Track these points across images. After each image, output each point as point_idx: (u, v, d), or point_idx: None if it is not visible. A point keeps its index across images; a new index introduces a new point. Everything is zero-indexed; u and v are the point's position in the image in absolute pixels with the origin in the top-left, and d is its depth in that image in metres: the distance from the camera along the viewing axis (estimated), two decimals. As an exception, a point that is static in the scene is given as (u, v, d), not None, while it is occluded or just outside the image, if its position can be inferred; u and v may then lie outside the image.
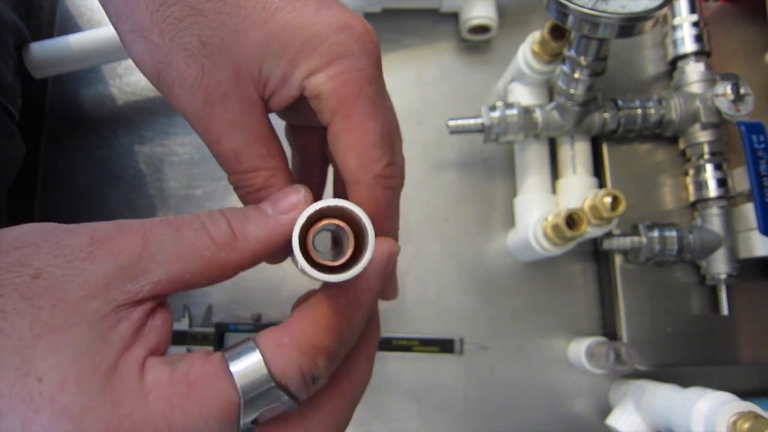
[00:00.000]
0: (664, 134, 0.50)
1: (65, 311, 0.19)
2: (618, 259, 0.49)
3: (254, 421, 0.20)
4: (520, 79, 0.51)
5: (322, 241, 0.23)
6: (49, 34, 0.56)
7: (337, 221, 0.20)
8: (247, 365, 0.20)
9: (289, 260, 0.24)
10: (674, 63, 0.51)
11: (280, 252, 0.23)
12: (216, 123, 0.23)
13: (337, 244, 0.28)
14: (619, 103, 0.48)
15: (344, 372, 0.23)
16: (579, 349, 0.49)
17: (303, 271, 0.19)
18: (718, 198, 0.47)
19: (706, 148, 0.48)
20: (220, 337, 0.50)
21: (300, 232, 0.19)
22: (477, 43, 0.58)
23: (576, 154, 0.50)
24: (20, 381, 0.18)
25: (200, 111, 0.23)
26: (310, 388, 0.21)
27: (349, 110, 0.24)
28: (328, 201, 0.20)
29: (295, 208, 0.23)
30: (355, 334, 0.22)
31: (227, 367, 0.20)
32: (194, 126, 0.24)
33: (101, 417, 0.18)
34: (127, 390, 0.19)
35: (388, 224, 0.28)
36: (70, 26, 0.58)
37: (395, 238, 0.27)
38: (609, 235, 0.48)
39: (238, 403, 0.19)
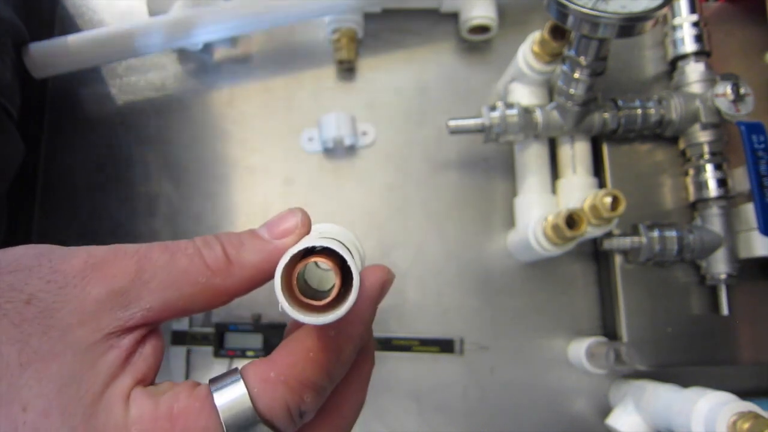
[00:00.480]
0: (664, 134, 0.50)
1: (54, 339, 0.19)
2: (618, 259, 0.49)
3: None
4: (520, 79, 0.51)
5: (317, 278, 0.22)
6: (49, 34, 0.56)
7: (322, 259, 0.19)
8: (232, 399, 0.19)
9: None
10: (674, 63, 0.51)
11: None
12: None
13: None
14: (619, 103, 0.48)
15: (334, 404, 0.23)
16: (579, 349, 0.49)
17: (282, 311, 0.18)
18: (718, 198, 0.47)
19: (706, 148, 0.48)
20: (220, 337, 0.50)
21: (285, 270, 0.19)
22: (477, 43, 0.58)
23: (576, 154, 0.50)
24: (5, 409, 0.18)
25: None
26: (297, 423, 0.20)
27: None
28: (313, 241, 0.19)
29: (291, 233, 0.22)
30: (345, 367, 0.22)
31: (212, 401, 0.19)
32: None
33: None
34: (111, 422, 0.18)
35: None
36: (70, 26, 0.58)
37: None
38: (609, 235, 0.48)
39: None
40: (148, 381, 0.20)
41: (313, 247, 0.19)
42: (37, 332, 0.19)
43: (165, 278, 0.20)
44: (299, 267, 0.19)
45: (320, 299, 0.19)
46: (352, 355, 0.22)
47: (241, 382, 0.20)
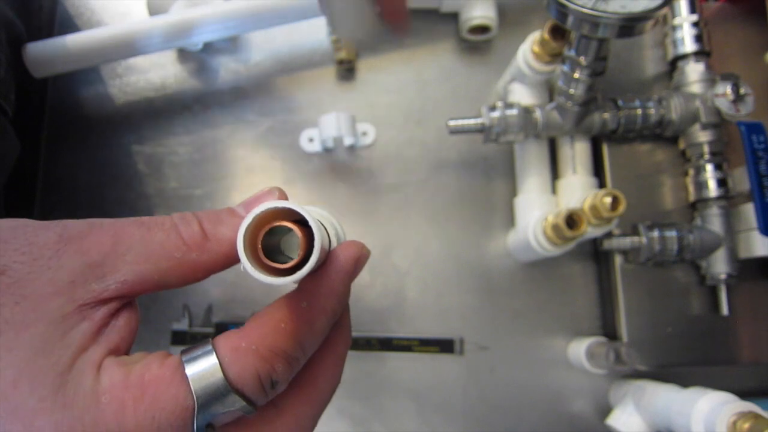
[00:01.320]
0: (664, 134, 0.50)
1: (26, 309, 0.19)
2: (618, 259, 0.49)
3: (209, 425, 0.20)
4: (520, 79, 0.51)
5: None
6: (49, 34, 0.56)
7: (287, 223, 0.19)
8: (203, 368, 0.19)
9: None
10: (674, 63, 0.51)
11: None
12: None
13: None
14: (619, 103, 0.48)
15: (309, 377, 0.23)
16: (579, 349, 0.49)
17: (245, 270, 0.18)
18: (718, 198, 0.47)
19: (706, 148, 0.48)
20: (220, 337, 0.50)
21: (250, 233, 0.19)
22: (477, 43, 0.58)
23: (576, 154, 0.50)
24: None
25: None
26: (268, 393, 0.20)
27: None
28: (277, 203, 0.19)
29: None
30: (317, 339, 0.22)
31: (183, 370, 0.19)
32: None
33: (51, 419, 0.18)
34: (81, 392, 0.18)
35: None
36: (70, 26, 0.58)
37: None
38: (609, 235, 0.48)
39: (193, 407, 0.19)
40: (121, 352, 0.20)
41: (276, 218, 0.19)
42: (9, 302, 0.19)
43: (141, 251, 0.20)
44: (265, 229, 0.19)
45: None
46: (325, 327, 0.22)
47: (213, 352, 0.20)
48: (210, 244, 0.21)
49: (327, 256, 0.22)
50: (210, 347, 0.20)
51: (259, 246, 0.19)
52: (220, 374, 0.19)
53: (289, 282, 0.19)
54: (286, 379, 0.21)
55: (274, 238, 0.21)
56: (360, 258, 0.23)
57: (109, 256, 0.20)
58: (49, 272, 0.19)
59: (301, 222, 0.20)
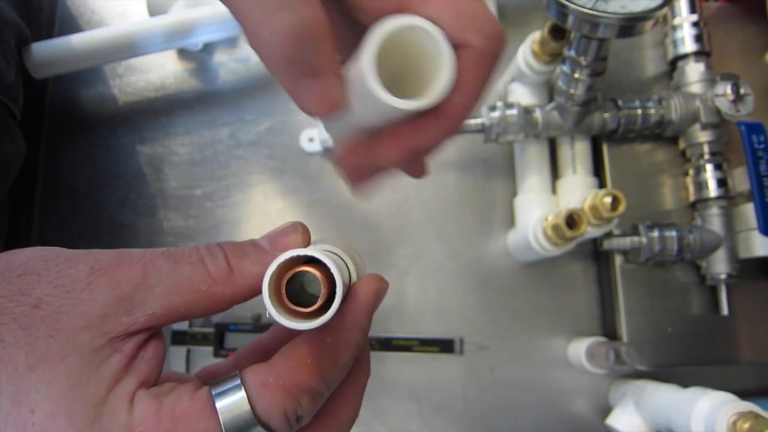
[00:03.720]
0: (664, 134, 0.50)
1: (60, 342, 0.19)
2: (618, 259, 0.49)
3: None
4: (520, 79, 0.51)
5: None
6: (49, 34, 0.56)
7: (309, 268, 0.20)
8: (232, 402, 0.20)
9: None
10: (674, 63, 0.51)
11: None
12: None
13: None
14: (619, 103, 0.48)
15: (330, 410, 0.23)
16: (579, 349, 0.49)
17: (270, 317, 0.19)
18: (718, 198, 0.47)
19: (706, 148, 0.48)
20: (220, 337, 0.50)
21: (273, 277, 0.19)
22: (477, 43, 0.58)
23: (576, 154, 0.50)
24: (15, 410, 0.18)
25: None
26: (293, 427, 0.21)
27: None
28: (300, 251, 0.20)
29: (291, 246, 0.23)
30: (341, 373, 0.22)
31: (213, 404, 0.20)
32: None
33: None
34: (116, 423, 0.19)
35: (476, 101, 0.22)
36: (71, 26, 0.58)
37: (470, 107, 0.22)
38: (609, 235, 0.48)
39: None
40: (151, 382, 0.21)
41: (312, 258, 0.20)
42: (44, 335, 0.19)
43: (169, 284, 0.21)
44: (288, 275, 0.20)
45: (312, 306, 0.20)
46: (348, 361, 0.22)
47: (241, 386, 0.20)
48: (235, 277, 0.22)
49: (348, 290, 0.23)
50: (239, 381, 0.20)
51: (284, 291, 0.20)
52: (248, 408, 0.20)
53: (315, 327, 0.19)
54: (311, 413, 0.21)
55: (296, 277, 0.22)
56: (379, 291, 0.23)
57: (139, 288, 0.21)
58: (82, 305, 0.20)
59: (314, 263, 0.20)
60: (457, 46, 0.21)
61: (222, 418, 0.20)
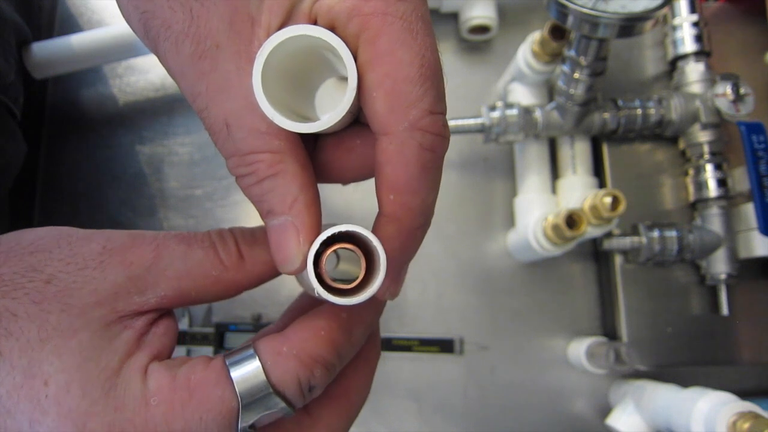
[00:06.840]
0: (664, 134, 0.50)
1: (72, 316, 0.19)
2: (618, 259, 0.49)
3: (252, 426, 0.20)
4: (520, 79, 0.51)
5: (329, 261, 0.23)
6: (49, 34, 0.56)
7: (349, 245, 0.20)
8: (247, 371, 0.20)
9: None
10: (674, 63, 0.51)
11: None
12: (205, 83, 0.19)
13: (340, 259, 0.28)
14: (619, 103, 0.48)
15: (343, 388, 0.24)
16: (579, 349, 0.49)
17: (319, 297, 0.19)
18: (718, 198, 0.47)
19: (706, 148, 0.48)
20: (220, 337, 0.50)
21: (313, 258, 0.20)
22: (477, 43, 0.58)
23: (576, 154, 0.50)
24: (28, 383, 0.18)
25: (186, 67, 0.19)
26: (306, 397, 0.21)
27: (374, 34, 0.18)
28: (340, 227, 0.19)
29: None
30: (354, 349, 0.23)
31: (228, 373, 0.20)
32: (182, 89, 0.20)
33: (104, 420, 0.19)
34: (130, 394, 0.19)
35: (417, 200, 0.22)
36: (71, 26, 0.58)
37: (425, 221, 0.23)
38: (609, 235, 0.48)
39: (237, 408, 0.20)
40: (163, 357, 0.21)
41: (334, 240, 0.20)
42: (56, 310, 0.19)
43: (180, 268, 0.21)
44: (327, 253, 0.20)
45: (348, 282, 0.20)
46: (361, 338, 0.23)
47: (255, 356, 0.20)
48: (245, 264, 0.22)
49: None
50: (252, 351, 0.21)
51: (324, 270, 0.20)
52: (263, 377, 0.20)
53: (363, 300, 0.19)
54: (323, 384, 0.21)
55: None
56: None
57: (151, 270, 0.21)
58: (93, 282, 0.20)
59: (352, 240, 0.20)
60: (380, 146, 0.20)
61: (237, 386, 0.20)
